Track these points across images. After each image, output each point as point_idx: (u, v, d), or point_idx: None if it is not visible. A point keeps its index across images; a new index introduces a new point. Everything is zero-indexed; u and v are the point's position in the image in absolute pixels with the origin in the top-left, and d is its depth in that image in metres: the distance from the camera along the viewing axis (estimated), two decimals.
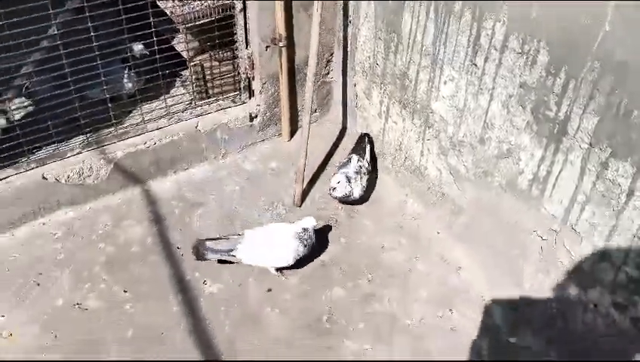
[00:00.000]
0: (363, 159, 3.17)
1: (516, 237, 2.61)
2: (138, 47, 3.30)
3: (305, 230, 2.78)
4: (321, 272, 2.88)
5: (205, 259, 2.80)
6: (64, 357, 2.51)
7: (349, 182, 3.00)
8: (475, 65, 2.50)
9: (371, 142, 3.35)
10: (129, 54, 3.27)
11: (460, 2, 2.45)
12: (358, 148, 3.26)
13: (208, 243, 2.78)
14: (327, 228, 3.07)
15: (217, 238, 2.83)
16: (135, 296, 2.76)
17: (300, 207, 3.19)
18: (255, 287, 2.81)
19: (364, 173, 3.11)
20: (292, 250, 2.74)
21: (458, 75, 2.61)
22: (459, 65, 2.59)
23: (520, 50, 2.27)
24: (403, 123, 3.09)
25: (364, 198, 3.16)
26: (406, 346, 2.59)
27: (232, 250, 2.75)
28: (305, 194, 3.23)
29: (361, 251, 2.99)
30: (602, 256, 2.23)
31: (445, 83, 2.70)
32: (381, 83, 3.15)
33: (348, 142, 3.55)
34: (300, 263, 2.83)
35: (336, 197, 3.04)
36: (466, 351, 2.56)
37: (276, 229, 2.82)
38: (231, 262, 2.83)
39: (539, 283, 2.56)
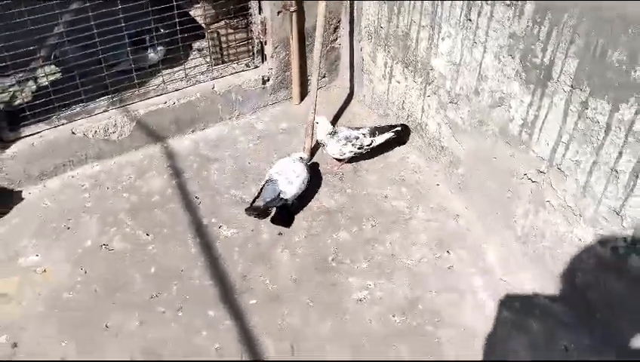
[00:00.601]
0: (369, 137, 3.27)
1: (509, 182, 2.80)
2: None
3: (302, 158, 3.12)
4: (327, 218, 3.10)
5: (268, 214, 3.06)
6: (94, 288, 2.76)
7: (348, 142, 3.24)
8: (470, 20, 2.70)
9: (397, 135, 3.39)
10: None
11: None
12: (382, 129, 3.33)
13: (258, 203, 3.01)
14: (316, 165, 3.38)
15: (255, 198, 3.05)
16: (157, 238, 3.00)
17: (309, 163, 3.41)
18: (267, 231, 3.04)
19: (355, 146, 3.26)
20: (307, 174, 3.10)
21: (455, 31, 2.81)
22: (455, 22, 2.79)
23: (509, 3, 2.47)
24: (405, 82, 3.29)
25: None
26: (405, 282, 2.80)
27: (280, 195, 2.99)
28: (314, 149, 3.45)
29: (365, 200, 3.20)
30: (584, 191, 2.42)
31: (443, 40, 2.90)
32: (385, 45, 3.35)
33: (355, 105, 3.77)
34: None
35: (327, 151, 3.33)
36: (460, 286, 2.77)
37: (286, 164, 3.07)
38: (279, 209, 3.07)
39: (529, 224, 2.76)
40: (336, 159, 3.34)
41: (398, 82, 3.35)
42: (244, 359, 2.51)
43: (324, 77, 3.85)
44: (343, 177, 3.34)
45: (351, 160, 3.36)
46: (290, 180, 3.01)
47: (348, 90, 3.87)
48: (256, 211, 3.02)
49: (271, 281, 2.81)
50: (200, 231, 3.04)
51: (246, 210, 3.04)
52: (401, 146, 3.50)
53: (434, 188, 3.27)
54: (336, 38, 3.72)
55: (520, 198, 2.77)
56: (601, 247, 2.43)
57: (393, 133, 3.32)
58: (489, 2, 2.56)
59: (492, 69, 2.68)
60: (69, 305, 2.71)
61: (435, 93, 3.10)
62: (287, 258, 2.92)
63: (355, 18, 3.54)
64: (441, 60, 2.96)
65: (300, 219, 3.10)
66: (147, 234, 3.02)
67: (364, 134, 3.26)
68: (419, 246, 2.97)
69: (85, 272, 2.85)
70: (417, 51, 3.11)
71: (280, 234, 3.03)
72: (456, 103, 2.97)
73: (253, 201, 3.05)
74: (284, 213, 3.09)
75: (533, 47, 2.43)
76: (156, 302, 2.72)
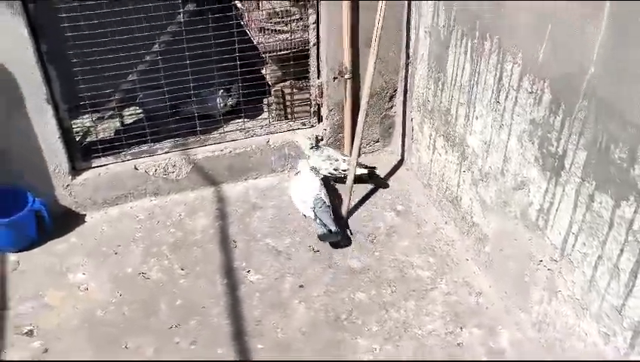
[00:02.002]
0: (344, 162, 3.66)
1: (527, 266, 2.78)
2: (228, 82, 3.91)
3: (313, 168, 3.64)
4: (350, 278, 3.20)
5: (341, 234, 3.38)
6: (124, 311, 3.03)
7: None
8: (499, 102, 2.77)
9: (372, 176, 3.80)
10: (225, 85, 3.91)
11: (489, 43, 2.75)
12: (361, 164, 3.68)
13: (329, 230, 3.32)
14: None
15: (323, 224, 3.34)
16: (189, 273, 3.24)
17: (346, 219, 3.55)
18: (289, 282, 3.19)
19: (334, 169, 3.68)
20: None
21: (486, 111, 2.88)
22: (487, 102, 2.86)
23: (530, 90, 2.52)
24: (445, 155, 3.37)
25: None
26: (410, 351, 2.82)
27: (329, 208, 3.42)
28: (351, 211, 3.59)
29: (391, 265, 3.27)
30: (590, 285, 2.38)
31: (477, 118, 2.98)
32: (431, 118, 3.46)
33: (402, 171, 3.89)
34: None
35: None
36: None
37: (305, 179, 3.58)
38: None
39: (543, 311, 2.71)
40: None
41: (440, 154, 3.43)
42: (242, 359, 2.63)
43: (377, 141, 4.00)
44: (375, 240, 3.43)
45: (324, 179, 3.63)
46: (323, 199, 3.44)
47: (399, 157, 3.99)
48: (337, 236, 3.34)
49: (282, 330, 2.94)
50: (229, 272, 3.24)
51: (322, 237, 3.33)
52: (437, 216, 3.55)
53: (463, 263, 3.28)
54: (392, 106, 3.87)
55: (536, 284, 2.74)
56: (604, 345, 2.36)
57: (366, 171, 3.72)
58: (515, 88, 2.62)
59: (515, 152, 2.71)
60: (99, 322, 2.99)
61: (469, 170, 3.15)
62: (302, 310, 3.04)
63: (408, 90, 3.69)
64: (475, 138, 3.03)
65: (323, 274, 3.22)
66: (182, 269, 3.27)
67: (344, 160, 3.65)
68: (433, 318, 2.99)
69: (120, 295, 3.13)
70: (456, 127, 3.20)
71: (301, 286, 3.17)
72: (485, 182, 3.01)
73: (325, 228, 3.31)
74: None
75: (549, 135, 2.45)
76: (174, 332, 2.94)
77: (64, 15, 3.11)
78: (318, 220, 3.33)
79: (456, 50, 3.05)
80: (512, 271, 2.91)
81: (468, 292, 3.11)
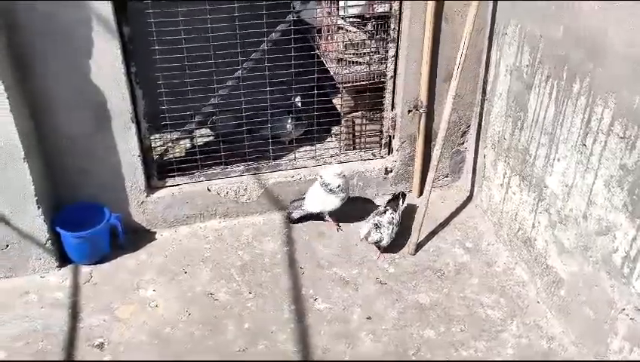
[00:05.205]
0: (395, 212, 3.54)
1: (607, 314, 2.71)
2: (297, 100, 3.96)
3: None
4: (418, 313, 3.17)
5: None
6: (192, 331, 3.06)
7: (378, 228, 3.40)
8: (585, 145, 2.73)
9: (404, 200, 3.71)
10: (294, 107, 3.96)
11: (578, 85, 2.72)
12: (393, 204, 3.63)
13: None
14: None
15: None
16: (257, 297, 3.25)
17: (413, 255, 3.53)
18: (357, 313, 3.17)
19: (395, 225, 3.49)
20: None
21: (570, 153, 2.84)
22: (571, 145, 2.82)
23: (622, 135, 2.48)
24: (520, 195, 3.33)
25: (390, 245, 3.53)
26: None
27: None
28: (420, 245, 3.56)
29: (460, 303, 3.22)
30: None
31: (558, 160, 2.94)
32: (506, 156, 3.43)
33: (470, 208, 3.85)
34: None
35: (370, 242, 3.45)
36: None
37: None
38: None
39: None
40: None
41: (514, 193, 3.39)
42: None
43: (447, 176, 3.98)
44: (444, 276, 3.40)
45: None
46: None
47: (468, 193, 3.96)
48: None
49: (348, 359, 2.92)
50: (296, 299, 3.25)
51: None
52: (507, 256, 3.49)
53: (533, 305, 3.21)
54: (463, 142, 3.86)
55: (616, 334, 2.66)
56: None
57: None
58: (604, 131, 2.58)
59: (601, 197, 2.66)
60: (167, 339, 3.03)
61: (546, 211, 3.10)
62: (369, 342, 3.02)
63: (482, 126, 3.67)
64: (555, 180, 2.99)
65: (391, 308, 3.20)
66: (250, 292, 3.29)
67: (392, 211, 3.54)
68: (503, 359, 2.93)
69: (189, 314, 3.16)
70: (534, 167, 3.16)
71: (369, 318, 3.15)
72: (564, 224, 2.95)
73: None
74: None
75: None
76: (241, 355, 2.95)
77: (154, 39, 3.22)
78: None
79: (540, 91, 3.02)
80: (589, 318, 2.84)
81: (539, 336, 3.04)
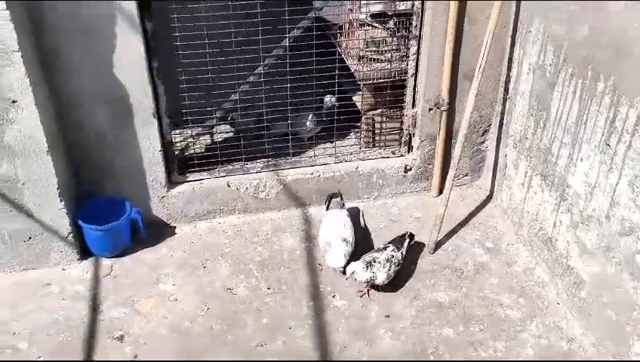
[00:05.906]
0: (398, 251, 3.29)
1: (630, 316, 2.68)
2: (329, 99, 3.94)
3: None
4: (437, 312, 3.16)
5: None
6: (211, 325, 3.08)
7: (370, 266, 3.15)
8: (609, 145, 2.70)
9: (411, 240, 3.47)
10: (324, 105, 3.95)
11: (602, 85, 2.69)
12: (397, 241, 3.38)
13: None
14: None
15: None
16: (275, 292, 3.27)
17: (432, 254, 3.51)
18: (375, 310, 3.17)
19: (395, 264, 3.23)
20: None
21: (593, 153, 2.81)
22: (595, 145, 2.80)
23: None
24: (542, 194, 3.30)
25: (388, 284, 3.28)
26: None
27: None
28: (439, 243, 3.55)
29: (479, 302, 3.21)
30: None
31: (581, 160, 2.91)
32: (527, 155, 3.41)
33: (490, 207, 3.83)
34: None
35: (359, 281, 3.22)
36: None
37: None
38: None
39: None
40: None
41: (535, 193, 3.36)
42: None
43: (466, 175, 3.96)
44: (463, 275, 3.38)
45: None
46: None
47: (487, 192, 3.93)
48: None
49: (367, 358, 2.92)
50: (315, 295, 3.25)
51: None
52: (527, 256, 3.47)
53: (553, 306, 3.18)
54: (484, 141, 3.83)
55: (639, 336, 2.63)
56: None
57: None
58: (629, 131, 2.55)
59: (625, 197, 2.63)
60: (186, 333, 3.05)
61: (568, 211, 3.07)
62: (388, 340, 3.02)
63: (503, 125, 3.65)
64: (578, 179, 2.96)
65: (409, 307, 3.19)
66: (268, 288, 3.30)
67: (393, 249, 3.29)
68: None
69: (208, 309, 3.18)
70: (557, 167, 3.13)
71: (387, 316, 3.14)
72: (587, 225, 2.93)
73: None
74: None
75: None
76: (260, 351, 2.97)
77: (177, 34, 3.24)
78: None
79: (564, 90, 3.00)
80: (610, 319, 2.81)
81: (559, 337, 3.02)
